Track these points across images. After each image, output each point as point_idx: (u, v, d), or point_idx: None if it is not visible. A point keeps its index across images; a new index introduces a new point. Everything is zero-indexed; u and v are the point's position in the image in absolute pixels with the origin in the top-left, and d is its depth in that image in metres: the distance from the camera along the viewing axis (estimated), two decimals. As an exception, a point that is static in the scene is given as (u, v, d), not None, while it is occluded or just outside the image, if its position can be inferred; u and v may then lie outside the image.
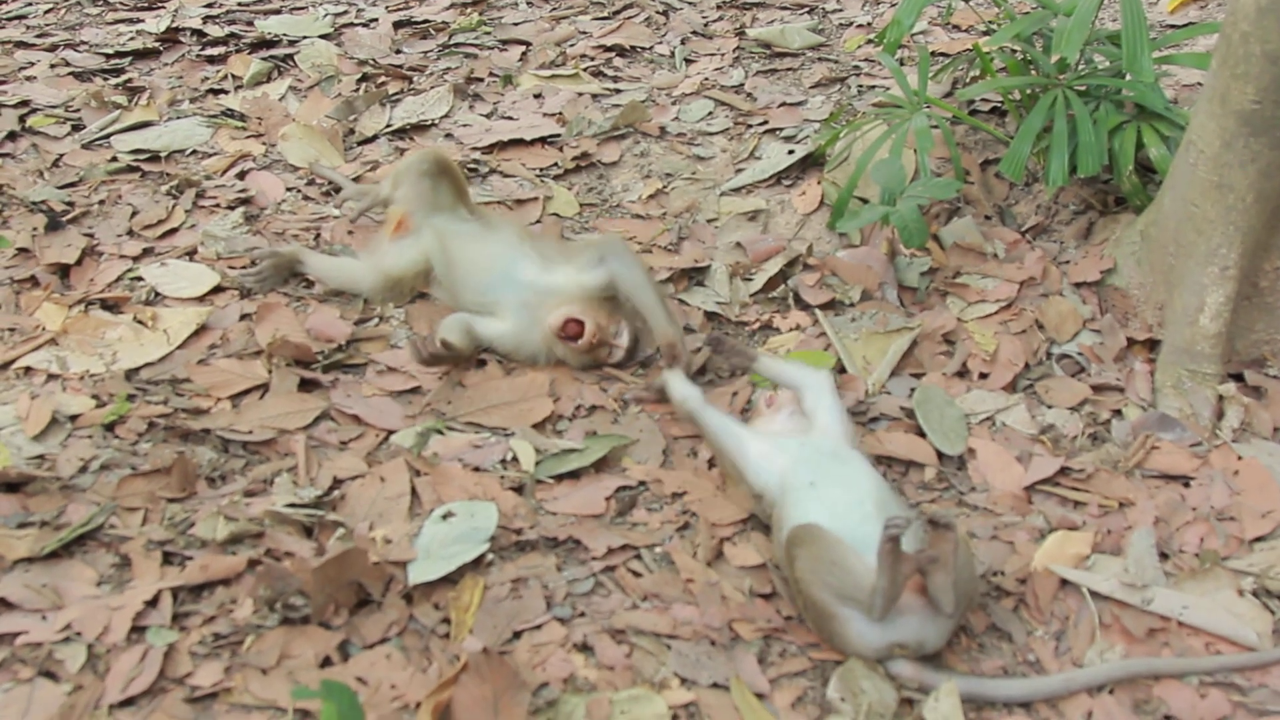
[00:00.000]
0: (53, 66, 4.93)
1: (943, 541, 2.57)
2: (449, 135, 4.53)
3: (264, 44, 5.14)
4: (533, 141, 4.51)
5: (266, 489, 2.97)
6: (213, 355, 3.41)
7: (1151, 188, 3.80)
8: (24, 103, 4.62)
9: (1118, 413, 3.40)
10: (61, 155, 4.32)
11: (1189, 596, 2.81)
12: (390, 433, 3.21)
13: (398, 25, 5.37)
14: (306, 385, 3.32)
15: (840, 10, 5.54)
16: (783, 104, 4.71)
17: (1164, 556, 2.94)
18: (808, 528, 2.70)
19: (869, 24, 5.37)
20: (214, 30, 5.21)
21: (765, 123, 4.58)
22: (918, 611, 2.60)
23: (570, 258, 3.54)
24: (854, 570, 2.58)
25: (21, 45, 5.11)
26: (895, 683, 2.58)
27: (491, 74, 4.96)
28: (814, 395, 3.16)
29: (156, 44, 5.12)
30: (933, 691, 2.55)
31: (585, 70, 4.99)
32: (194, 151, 4.40)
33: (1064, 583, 2.87)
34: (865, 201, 3.95)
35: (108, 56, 5.04)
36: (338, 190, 4.18)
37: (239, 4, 5.52)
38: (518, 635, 2.62)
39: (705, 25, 5.42)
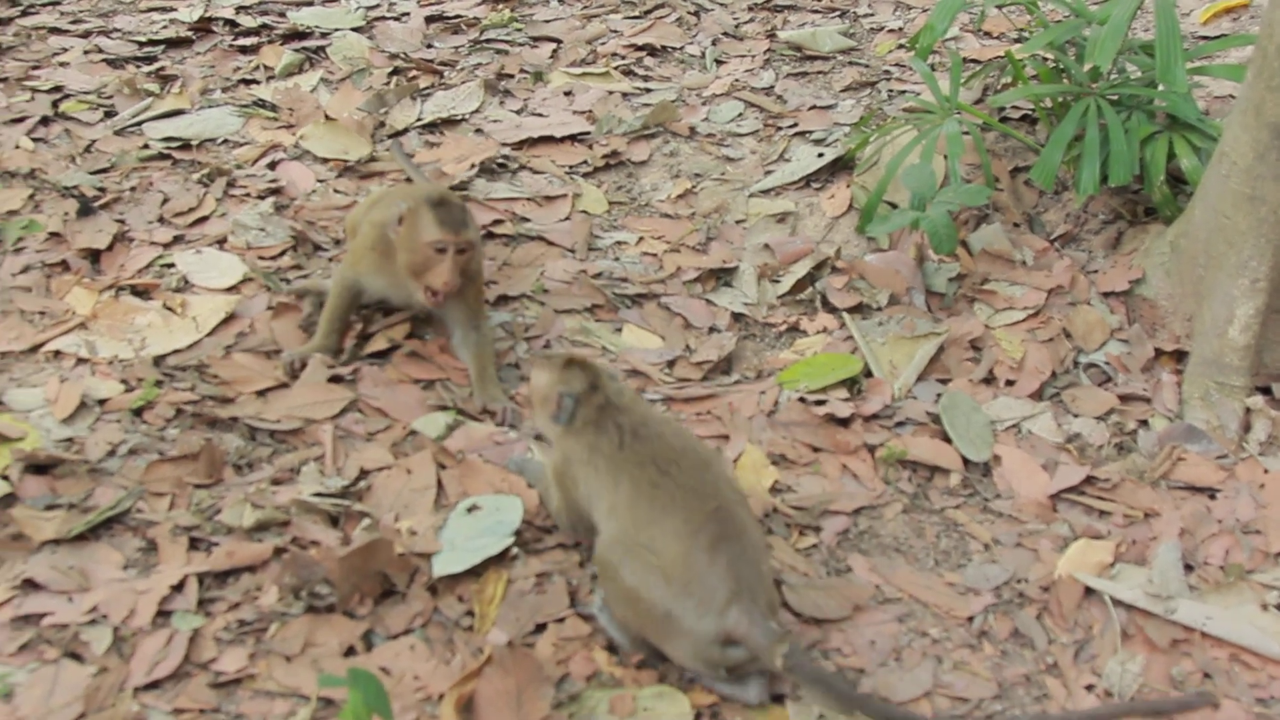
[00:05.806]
0: (86, 53, 4.96)
1: None
2: (479, 130, 4.54)
3: (296, 35, 5.15)
4: (562, 139, 4.52)
5: (293, 478, 2.98)
6: (241, 343, 3.42)
7: (1182, 199, 3.79)
8: (57, 88, 4.64)
9: (1144, 423, 3.39)
10: (94, 141, 4.34)
11: (1213, 608, 2.81)
12: (416, 425, 3.23)
13: (429, 20, 5.38)
14: (333, 376, 3.34)
15: (872, 15, 5.53)
16: (813, 107, 4.71)
17: (1189, 568, 2.93)
18: None
19: (900, 29, 5.36)
20: (246, 21, 5.23)
21: (795, 125, 4.58)
22: None
23: None
24: None
25: (55, 31, 5.13)
26: None
27: (522, 70, 4.97)
28: None
29: (189, 33, 5.14)
30: None
31: (616, 69, 5.00)
32: (225, 140, 4.42)
33: (1088, 591, 2.87)
34: (894, 206, 3.95)
35: (140, 44, 5.06)
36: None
37: (271, -5, 5.55)
38: (541, 629, 2.63)
39: (736, 27, 5.42)
